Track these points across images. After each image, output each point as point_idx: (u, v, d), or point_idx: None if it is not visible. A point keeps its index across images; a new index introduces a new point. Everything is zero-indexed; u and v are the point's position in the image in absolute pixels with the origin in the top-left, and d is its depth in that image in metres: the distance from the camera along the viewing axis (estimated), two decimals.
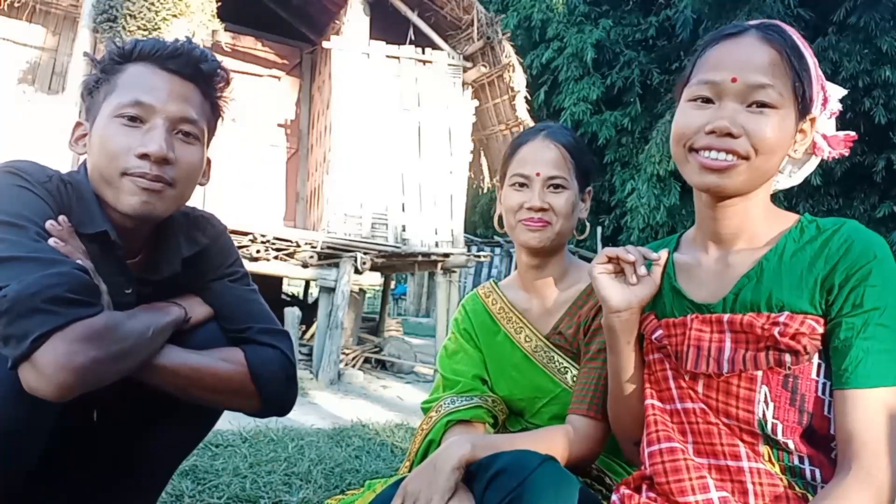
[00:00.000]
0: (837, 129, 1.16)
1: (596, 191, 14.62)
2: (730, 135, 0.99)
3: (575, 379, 1.39)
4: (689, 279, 1.14)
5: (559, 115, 13.14)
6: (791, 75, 1.01)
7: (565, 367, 1.42)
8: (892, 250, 1.00)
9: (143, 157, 1.18)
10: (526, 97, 7.78)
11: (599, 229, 13.25)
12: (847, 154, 1.18)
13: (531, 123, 7.92)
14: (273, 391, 1.30)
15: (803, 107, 1.03)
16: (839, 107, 1.14)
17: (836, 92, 1.13)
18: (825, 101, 1.09)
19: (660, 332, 1.13)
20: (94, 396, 1.10)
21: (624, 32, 13.16)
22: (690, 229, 1.22)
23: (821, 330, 0.98)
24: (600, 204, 13.61)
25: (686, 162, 1.06)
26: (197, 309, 1.33)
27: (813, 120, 1.07)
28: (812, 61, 1.05)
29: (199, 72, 1.26)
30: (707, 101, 1.03)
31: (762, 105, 1.00)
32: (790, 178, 1.21)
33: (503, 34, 7.36)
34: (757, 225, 1.09)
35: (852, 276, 0.96)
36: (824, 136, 1.14)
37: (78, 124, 1.31)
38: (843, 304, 0.97)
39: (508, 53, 7.39)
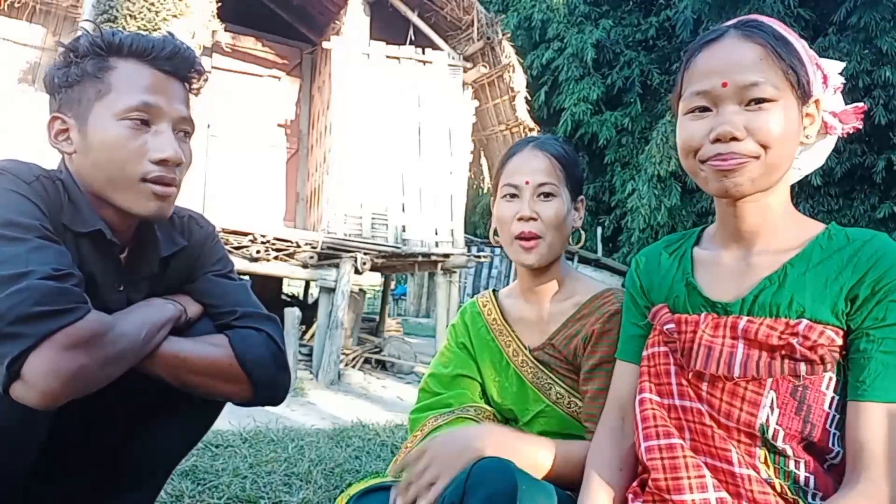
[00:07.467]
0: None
1: (596, 191, 14.55)
2: (735, 139, 0.99)
3: (559, 395, 1.38)
4: (707, 276, 1.13)
5: (559, 116, 13.14)
6: (781, 65, 0.99)
7: (549, 384, 1.40)
8: None
9: (160, 162, 1.19)
10: (526, 97, 7.80)
11: (599, 230, 13.22)
12: (860, 127, 1.16)
13: (531, 124, 7.93)
14: (261, 374, 1.29)
15: (802, 92, 1.02)
16: (841, 80, 1.12)
17: (834, 67, 1.12)
18: (825, 79, 1.08)
19: (671, 325, 1.12)
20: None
21: (624, 33, 13.17)
22: (712, 225, 1.20)
23: (839, 342, 0.97)
24: (600, 204, 13.60)
25: (700, 172, 1.05)
26: (192, 308, 1.34)
27: (817, 102, 1.05)
28: (800, 44, 1.04)
29: (190, 72, 1.28)
30: (704, 109, 1.03)
31: (760, 101, 0.99)
32: (811, 163, 1.20)
33: (503, 34, 7.37)
34: (778, 223, 1.07)
35: (879, 290, 0.95)
36: (834, 114, 1.13)
37: (55, 118, 1.22)
38: (866, 317, 0.96)
39: (508, 54, 7.40)
